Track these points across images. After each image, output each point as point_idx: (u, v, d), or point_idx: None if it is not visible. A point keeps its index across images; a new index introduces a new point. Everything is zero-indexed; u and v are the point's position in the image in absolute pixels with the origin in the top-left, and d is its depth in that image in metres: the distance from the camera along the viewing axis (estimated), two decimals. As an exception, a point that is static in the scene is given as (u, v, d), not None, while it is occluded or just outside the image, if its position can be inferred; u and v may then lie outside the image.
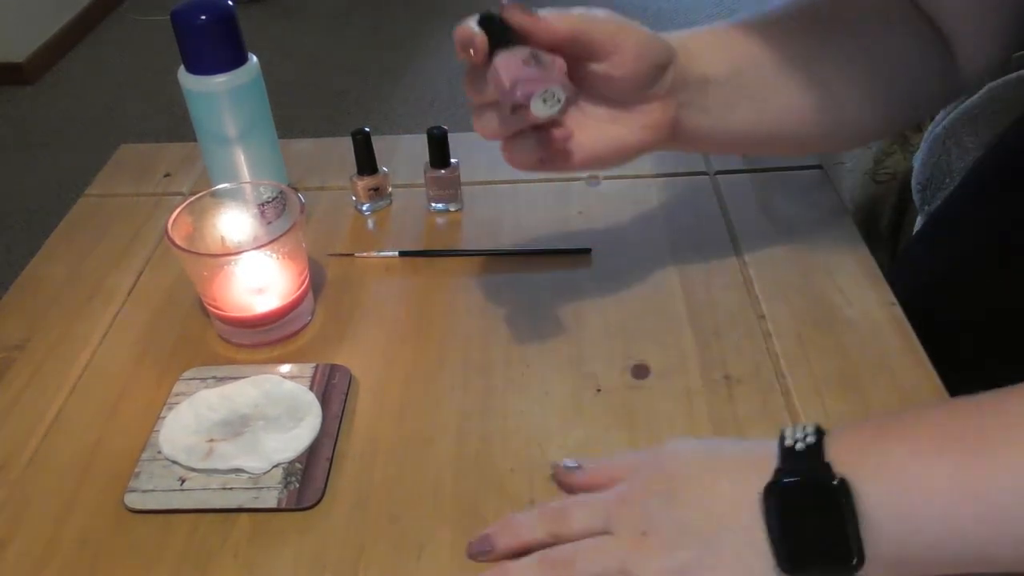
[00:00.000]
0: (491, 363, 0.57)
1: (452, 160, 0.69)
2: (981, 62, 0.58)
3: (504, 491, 0.48)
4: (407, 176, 0.75)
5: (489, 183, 0.74)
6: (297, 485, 0.48)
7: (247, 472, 0.49)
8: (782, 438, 0.42)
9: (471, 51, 0.46)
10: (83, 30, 3.04)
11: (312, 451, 0.50)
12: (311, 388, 0.54)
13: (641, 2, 2.98)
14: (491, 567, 0.43)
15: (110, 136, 2.45)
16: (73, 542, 0.47)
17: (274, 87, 0.69)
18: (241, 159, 0.66)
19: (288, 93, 2.51)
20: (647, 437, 0.51)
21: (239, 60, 0.63)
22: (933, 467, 0.37)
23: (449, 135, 0.69)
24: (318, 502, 0.48)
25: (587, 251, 0.65)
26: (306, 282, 0.60)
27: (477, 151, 0.73)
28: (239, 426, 0.52)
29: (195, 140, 0.68)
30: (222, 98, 0.63)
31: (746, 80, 0.54)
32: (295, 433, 0.51)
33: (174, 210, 0.57)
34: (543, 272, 0.64)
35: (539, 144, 0.49)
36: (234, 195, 0.61)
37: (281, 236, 0.55)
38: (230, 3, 0.62)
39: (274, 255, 0.56)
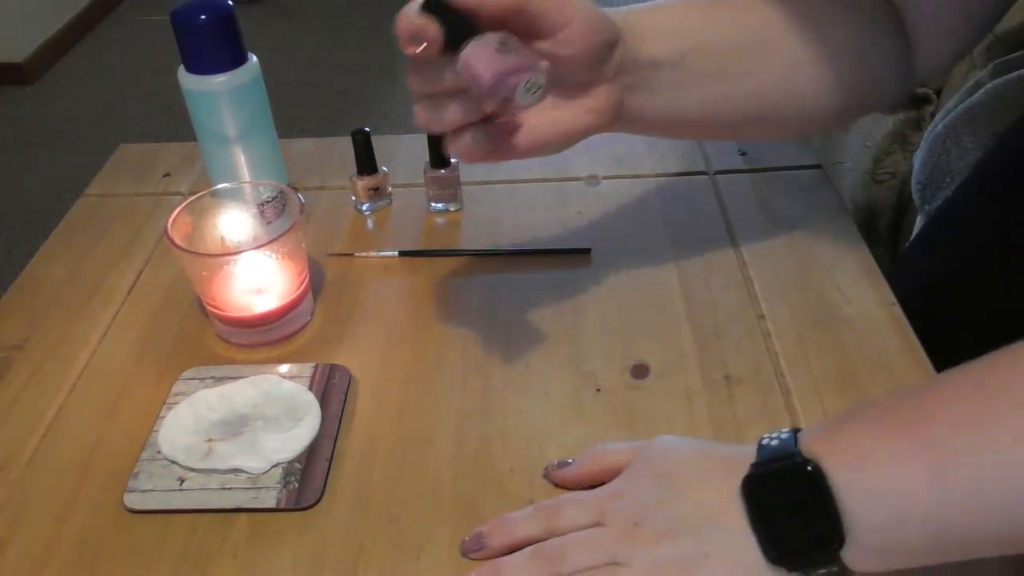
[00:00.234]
0: (491, 363, 0.57)
1: (452, 160, 0.69)
2: (940, 60, 0.57)
3: (503, 491, 0.48)
4: (407, 176, 0.75)
5: (488, 183, 0.74)
6: (296, 485, 0.48)
7: (246, 472, 0.49)
8: (760, 439, 0.42)
9: (424, 44, 0.42)
10: (83, 30, 3.04)
11: (311, 451, 0.50)
12: (310, 388, 0.54)
13: None
14: (485, 564, 0.44)
15: (110, 136, 2.45)
16: (72, 542, 0.47)
17: (274, 87, 0.69)
18: (241, 159, 0.66)
19: (288, 93, 2.51)
20: (646, 437, 0.50)
21: (239, 60, 0.63)
22: (897, 449, 0.38)
23: (449, 135, 0.68)
24: (317, 502, 0.48)
25: (587, 251, 0.65)
26: (305, 282, 0.60)
27: (477, 151, 0.73)
28: (238, 426, 0.52)
29: (195, 140, 0.68)
30: (222, 98, 0.63)
31: (698, 63, 0.51)
32: (294, 433, 0.51)
33: (174, 210, 0.57)
34: (543, 272, 0.64)
35: (486, 136, 0.46)
36: (234, 195, 0.61)
37: (281, 236, 0.55)
38: (230, 3, 0.62)
39: (274, 255, 0.56)
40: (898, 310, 0.58)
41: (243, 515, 0.48)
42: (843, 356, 0.55)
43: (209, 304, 0.59)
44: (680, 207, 0.70)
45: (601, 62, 0.47)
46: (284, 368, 0.56)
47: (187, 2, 0.61)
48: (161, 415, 0.53)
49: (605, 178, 0.73)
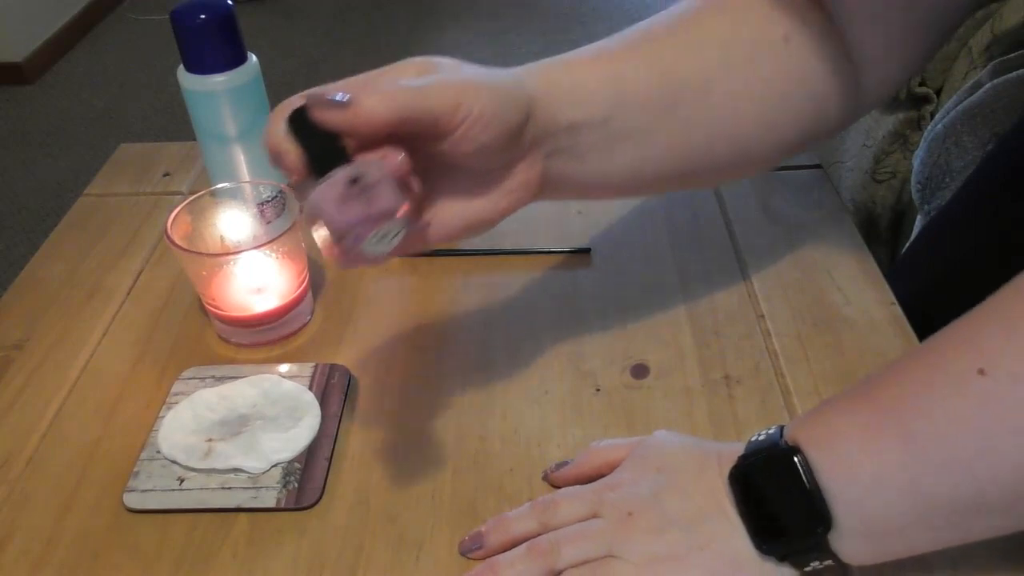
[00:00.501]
0: (490, 363, 0.57)
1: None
2: (886, 86, 0.52)
3: (503, 491, 0.48)
4: (407, 176, 0.75)
5: (489, 183, 0.74)
6: (296, 485, 0.48)
7: (246, 472, 0.49)
8: (750, 437, 0.43)
9: (288, 168, 0.40)
10: (83, 30, 3.04)
11: (311, 451, 0.50)
12: (310, 388, 0.54)
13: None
14: (482, 563, 0.44)
15: (110, 136, 2.45)
16: (72, 541, 0.47)
17: (274, 87, 0.69)
18: (240, 159, 0.66)
19: (288, 93, 2.50)
20: (646, 437, 0.51)
21: (239, 60, 0.63)
22: (866, 422, 0.38)
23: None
24: (317, 502, 0.48)
25: (587, 251, 0.65)
26: (305, 282, 0.60)
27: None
28: (238, 426, 0.52)
29: (195, 140, 0.68)
30: (222, 98, 0.63)
31: (625, 119, 0.46)
32: (294, 433, 0.51)
33: (173, 209, 0.57)
34: (543, 272, 0.64)
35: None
36: (233, 194, 0.61)
37: (280, 235, 0.55)
38: (230, 3, 0.62)
39: (273, 254, 0.56)
40: (898, 310, 0.58)
41: (243, 515, 0.48)
42: (843, 356, 0.55)
43: (209, 304, 0.58)
44: (680, 207, 0.70)
45: (511, 145, 0.43)
46: (284, 368, 0.56)
47: (187, 2, 0.61)
48: (161, 415, 0.53)
49: (605, 178, 0.73)
